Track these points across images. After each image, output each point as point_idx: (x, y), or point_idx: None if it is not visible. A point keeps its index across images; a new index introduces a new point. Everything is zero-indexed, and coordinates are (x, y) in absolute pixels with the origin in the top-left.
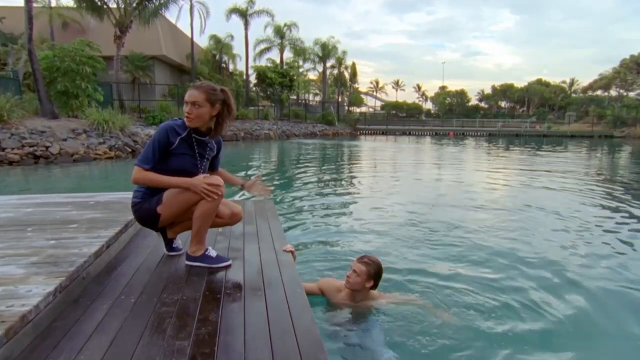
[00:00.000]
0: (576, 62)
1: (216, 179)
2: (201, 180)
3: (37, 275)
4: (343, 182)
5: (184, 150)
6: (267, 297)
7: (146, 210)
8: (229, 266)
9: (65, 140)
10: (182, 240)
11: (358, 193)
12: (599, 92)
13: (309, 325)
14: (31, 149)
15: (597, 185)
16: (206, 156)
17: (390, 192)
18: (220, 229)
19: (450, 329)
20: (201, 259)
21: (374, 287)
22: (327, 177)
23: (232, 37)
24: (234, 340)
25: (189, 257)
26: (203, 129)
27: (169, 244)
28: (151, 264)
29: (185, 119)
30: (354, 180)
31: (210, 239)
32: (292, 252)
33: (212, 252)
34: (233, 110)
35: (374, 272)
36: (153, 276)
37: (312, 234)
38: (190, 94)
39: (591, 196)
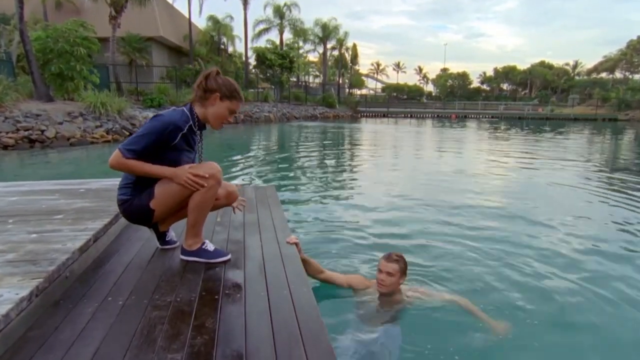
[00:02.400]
0: (581, 44)
1: (209, 167)
2: (185, 170)
3: (12, 276)
4: (346, 167)
5: (182, 147)
6: (270, 299)
7: (137, 207)
8: (228, 261)
9: (61, 123)
10: (177, 231)
11: (362, 178)
12: (603, 75)
13: (318, 332)
14: (26, 133)
15: (598, 168)
16: (200, 146)
17: (394, 175)
18: (218, 218)
19: (477, 328)
20: (198, 254)
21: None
22: (329, 161)
23: (231, 17)
24: (233, 352)
25: (185, 252)
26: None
27: (162, 237)
28: (143, 260)
29: (218, 126)
30: (357, 165)
31: (207, 229)
32: (296, 243)
33: (210, 246)
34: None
35: (405, 267)
36: (144, 274)
37: (317, 223)
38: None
39: (592, 179)
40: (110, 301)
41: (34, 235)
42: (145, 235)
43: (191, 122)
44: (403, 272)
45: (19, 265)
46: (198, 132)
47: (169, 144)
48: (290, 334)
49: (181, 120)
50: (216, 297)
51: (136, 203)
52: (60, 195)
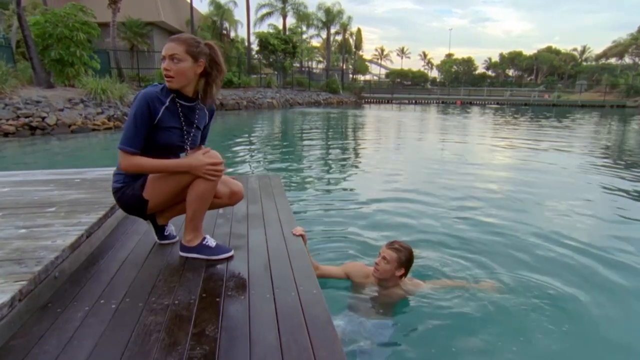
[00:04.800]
0: (589, 29)
1: (215, 155)
2: (202, 160)
3: None
4: (351, 153)
5: (170, 123)
6: (276, 302)
7: (130, 197)
8: (230, 257)
9: (62, 110)
10: (177, 225)
11: (367, 166)
12: (612, 60)
13: (331, 342)
14: (27, 120)
15: (604, 157)
16: (195, 123)
17: (399, 162)
18: (220, 210)
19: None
20: (198, 250)
21: (405, 275)
22: (333, 148)
23: (234, 2)
24: None
25: (184, 248)
26: (189, 92)
27: (161, 231)
28: (139, 256)
29: (165, 80)
30: (363, 152)
31: (208, 222)
32: (302, 235)
33: (211, 242)
34: (222, 68)
35: (405, 259)
36: (141, 272)
37: (322, 212)
38: (168, 47)
39: (597, 169)
40: (103, 304)
41: (23, 230)
42: (142, 229)
43: (173, 94)
44: (401, 264)
45: (3, 265)
46: (193, 104)
47: (152, 120)
48: (301, 345)
49: (156, 91)
50: (217, 299)
51: (129, 192)
52: (55, 186)
